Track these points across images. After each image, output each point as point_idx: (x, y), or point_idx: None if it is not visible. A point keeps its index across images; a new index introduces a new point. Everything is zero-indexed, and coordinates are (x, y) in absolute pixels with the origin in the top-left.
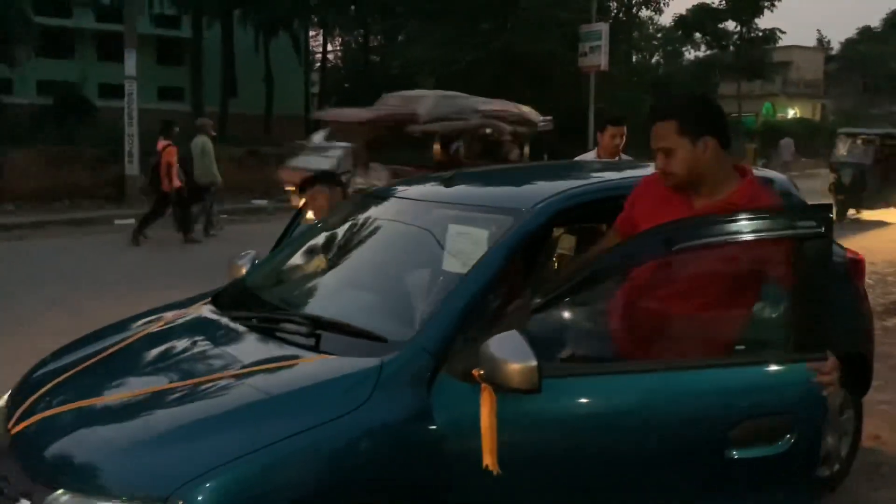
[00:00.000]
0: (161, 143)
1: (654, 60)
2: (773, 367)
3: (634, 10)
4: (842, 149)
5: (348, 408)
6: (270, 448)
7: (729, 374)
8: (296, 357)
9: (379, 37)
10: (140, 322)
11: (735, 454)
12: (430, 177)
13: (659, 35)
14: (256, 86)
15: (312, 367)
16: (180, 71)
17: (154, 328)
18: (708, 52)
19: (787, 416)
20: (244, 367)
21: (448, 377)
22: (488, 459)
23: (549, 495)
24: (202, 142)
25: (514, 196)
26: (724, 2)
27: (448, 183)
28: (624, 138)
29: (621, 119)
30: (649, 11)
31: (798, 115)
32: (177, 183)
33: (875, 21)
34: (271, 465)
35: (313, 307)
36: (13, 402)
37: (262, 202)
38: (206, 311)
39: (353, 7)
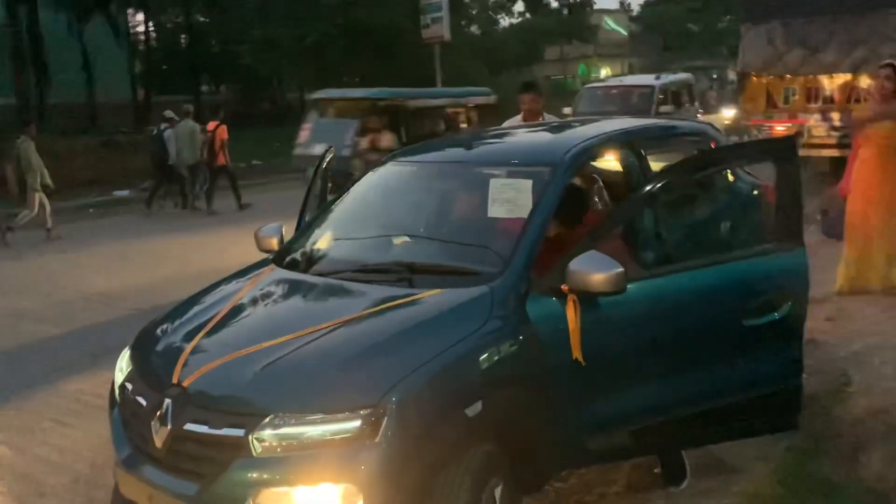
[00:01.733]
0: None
1: (470, 28)
2: (770, 257)
3: None
4: None
5: (480, 323)
6: (440, 356)
7: (744, 265)
8: (417, 293)
9: (205, 17)
10: (227, 288)
11: (751, 322)
12: (446, 141)
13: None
14: (76, 73)
15: (437, 298)
16: None
17: (250, 290)
18: (521, 19)
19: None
20: (375, 304)
21: (536, 295)
22: (577, 353)
23: (622, 375)
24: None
25: (545, 150)
26: None
27: (470, 146)
28: (541, 101)
29: (531, 85)
30: None
31: (609, 74)
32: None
33: None
34: (444, 368)
35: (399, 256)
36: (141, 361)
37: (124, 192)
38: (281, 273)
39: None
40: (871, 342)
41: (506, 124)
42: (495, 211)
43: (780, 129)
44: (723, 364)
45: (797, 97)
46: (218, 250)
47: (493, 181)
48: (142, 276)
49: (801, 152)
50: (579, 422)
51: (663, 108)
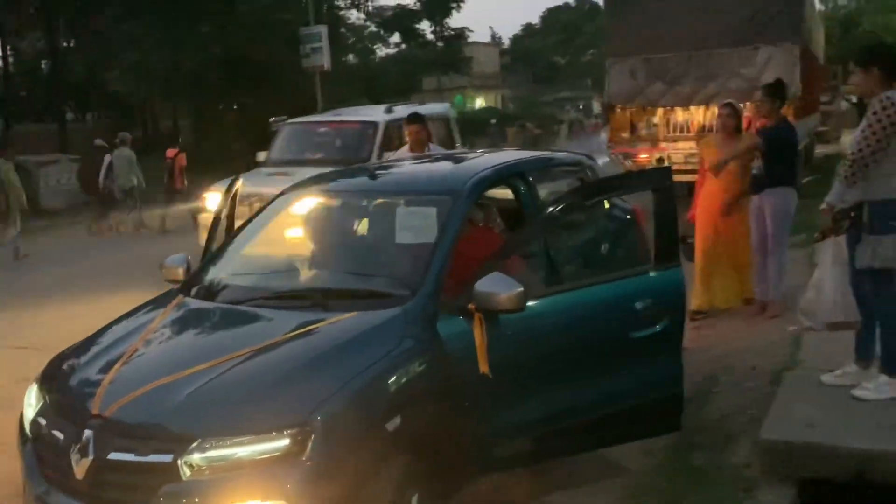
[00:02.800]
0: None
1: (348, 58)
2: (651, 275)
3: (342, 13)
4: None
5: (395, 343)
6: (360, 375)
7: (628, 282)
8: (331, 317)
9: (69, 41)
10: (136, 319)
11: (636, 334)
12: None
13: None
14: None
15: (353, 321)
16: None
17: (162, 320)
18: (396, 49)
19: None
20: (294, 329)
21: (445, 315)
22: (484, 367)
23: (523, 387)
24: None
25: (447, 180)
26: (418, 3)
27: (373, 176)
28: (426, 131)
29: (417, 117)
30: (359, 13)
31: (484, 105)
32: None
33: (535, 19)
34: (364, 386)
35: (312, 282)
36: (54, 394)
37: None
38: (192, 302)
39: (32, 9)
40: (734, 346)
41: (394, 156)
42: (402, 237)
43: (643, 156)
44: (613, 373)
45: (658, 127)
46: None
47: (399, 209)
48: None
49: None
50: (487, 431)
51: (391, 154)
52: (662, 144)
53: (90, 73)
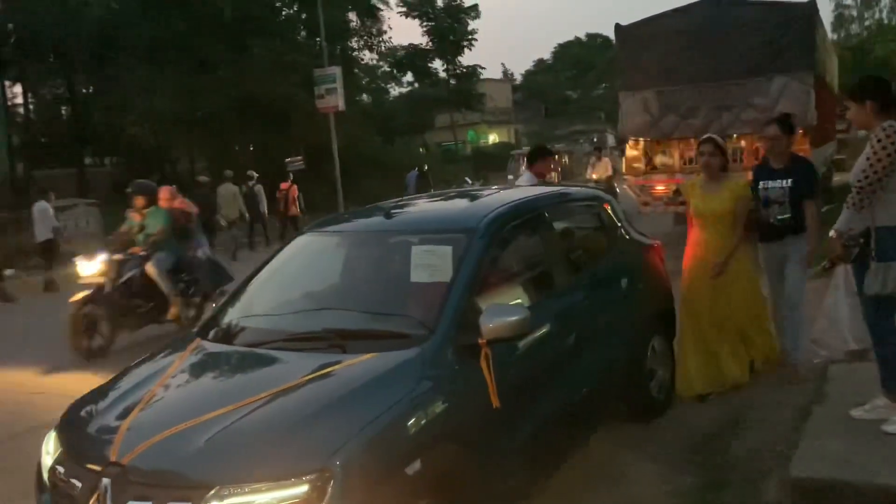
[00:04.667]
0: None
1: (362, 97)
2: None
3: (355, 54)
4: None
5: (413, 384)
6: (379, 419)
7: None
8: (349, 359)
9: (87, 88)
10: (154, 364)
11: None
12: (366, 210)
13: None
14: None
15: (371, 363)
16: None
17: (180, 364)
18: (410, 88)
19: None
20: (311, 371)
21: (455, 352)
22: (495, 401)
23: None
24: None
25: (462, 218)
26: (430, 43)
27: (388, 215)
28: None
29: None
30: (372, 54)
31: (497, 140)
32: None
33: (547, 54)
34: (383, 430)
35: (329, 323)
36: (71, 442)
37: (10, 272)
38: (210, 346)
39: (52, 57)
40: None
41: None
42: (417, 276)
43: (659, 188)
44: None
45: (672, 159)
46: None
47: (414, 248)
48: None
49: (681, 210)
50: (504, 462)
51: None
52: (679, 176)
53: (108, 119)
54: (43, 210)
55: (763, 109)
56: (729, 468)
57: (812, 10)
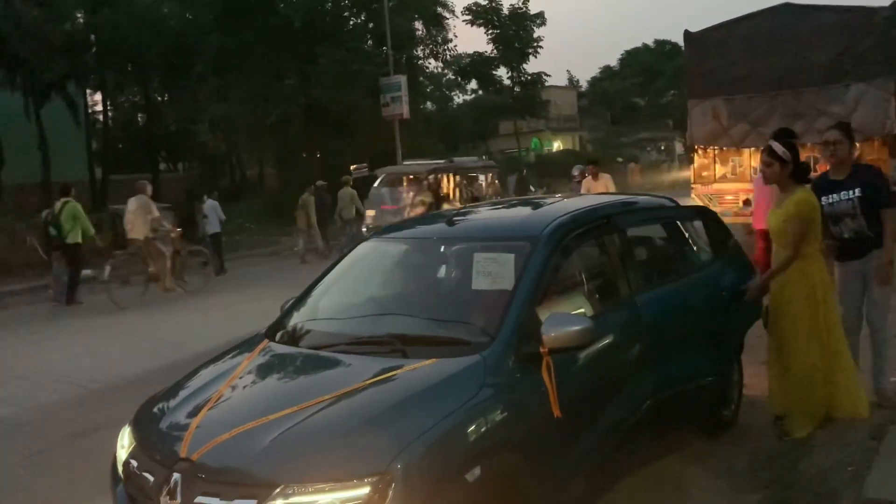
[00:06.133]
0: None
1: (426, 105)
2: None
3: (420, 62)
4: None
5: (474, 391)
6: (439, 424)
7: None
8: (411, 364)
9: (162, 96)
10: (224, 364)
11: None
12: (429, 217)
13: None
14: (31, 154)
15: (432, 368)
16: None
17: (247, 365)
18: (474, 95)
19: None
20: (374, 375)
21: (516, 360)
22: (556, 410)
23: (591, 419)
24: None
25: (525, 226)
26: (495, 51)
27: (451, 222)
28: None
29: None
30: (437, 62)
31: (561, 147)
32: None
33: (613, 61)
34: (444, 435)
35: (392, 328)
36: (144, 437)
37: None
38: (277, 348)
39: (130, 66)
40: None
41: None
42: (479, 283)
43: (728, 198)
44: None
45: (743, 168)
46: None
47: (476, 255)
48: None
49: (750, 220)
50: (564, 472)
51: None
52: (749, 186)
53: (181, 126)
54: (213, 207)
55: (838, 118)
56: (797, 487)
57: (894, 14)
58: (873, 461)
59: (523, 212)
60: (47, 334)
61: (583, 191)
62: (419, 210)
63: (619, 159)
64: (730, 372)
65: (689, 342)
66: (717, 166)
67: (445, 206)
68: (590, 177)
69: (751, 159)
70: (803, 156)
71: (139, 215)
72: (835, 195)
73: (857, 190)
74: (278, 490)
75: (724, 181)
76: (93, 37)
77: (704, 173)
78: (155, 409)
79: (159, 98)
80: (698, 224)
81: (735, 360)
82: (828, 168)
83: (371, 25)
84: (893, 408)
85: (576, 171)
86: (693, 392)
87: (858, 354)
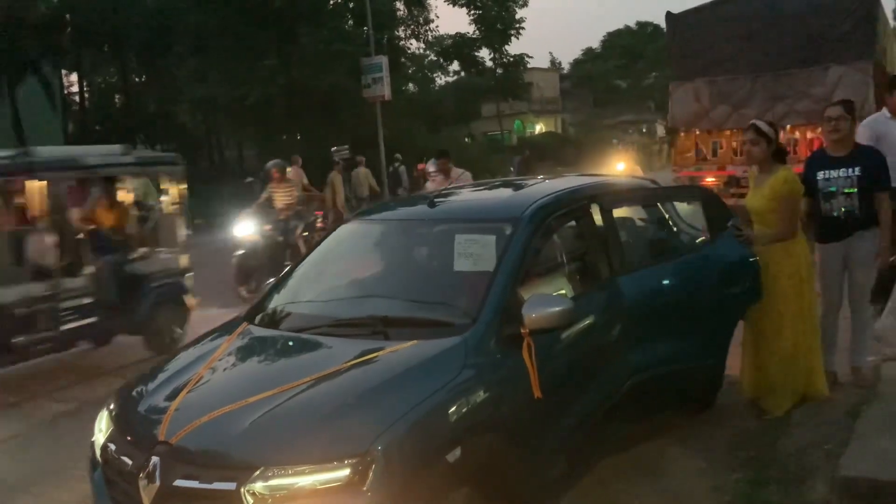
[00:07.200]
0: None
1: (408, 87)
2: None
3: (402, 43)
4: None
5: (455, 372)
6: (420, 405)
7: None
8: (392, 346)
9: (140, 77)
10: (202, 347)
11: None
12: (410, 199)
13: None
14: (6, 135)
15: (413, 350)
16: None
17: (227, 347)
18: (456, 77)
19: None
20: (355, 357)
21: (497, 341)
22: (536, 392)
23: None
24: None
25: (506, 207)
26: (477, 32)
27: (432, 204)
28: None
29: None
30: (419, 43)
31: (544, 130)
32: None
33: (595, 43)
34: (425, 416)
35: (373, 310)
36: (122, 421)
37: None
38: (256, 330)
39: (106, 47)
40: None
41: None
42: (461, 265)
43: (709, 179)
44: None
45: (724, 150)
46: None
47: (458, 237)
48: None
49: (730, 201)
50: (545, 452)
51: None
52: (730, 168)
53: (159, 107)
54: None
55: (819, 100)
56: (775, 465)
57: None
58: (849, 440)
59: (505, 193)
60: None
61: (430, 186)
62: None
63: (615, 140)
64: (725, 354)
65: (677, 324)
66: (698, 149)
67: None
68: (441, 175)
69: (731, 141)
70: (784, 138)
71: None
72: (833, 171)
73: (857, 168)
74: (258, 472)
75: (705, 163)
76: (68, 16)
77: (686, 155)
78: (133, 393)
79: (137, 79)
80: (693, 205)
81: (728, 340)
82: (825, 145)
83: (352, 5)
84: (869, 387)
85: (431, 167)
86: (683, 373)
87: (837, 333)
